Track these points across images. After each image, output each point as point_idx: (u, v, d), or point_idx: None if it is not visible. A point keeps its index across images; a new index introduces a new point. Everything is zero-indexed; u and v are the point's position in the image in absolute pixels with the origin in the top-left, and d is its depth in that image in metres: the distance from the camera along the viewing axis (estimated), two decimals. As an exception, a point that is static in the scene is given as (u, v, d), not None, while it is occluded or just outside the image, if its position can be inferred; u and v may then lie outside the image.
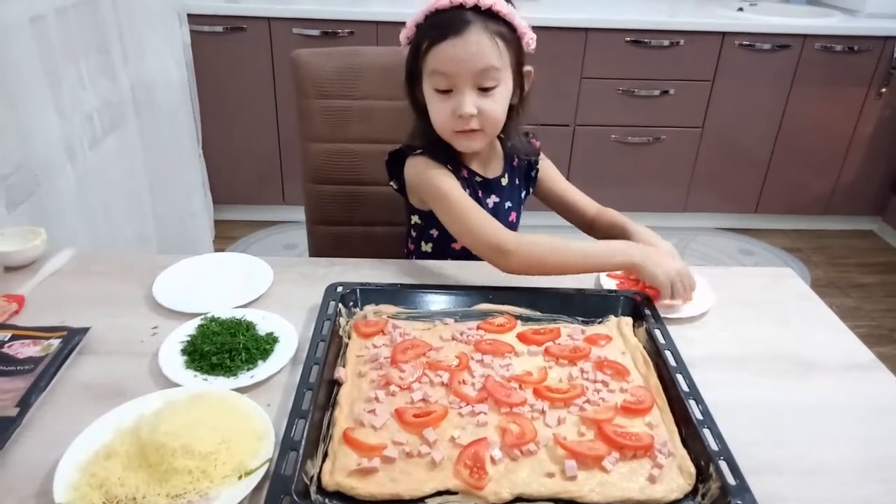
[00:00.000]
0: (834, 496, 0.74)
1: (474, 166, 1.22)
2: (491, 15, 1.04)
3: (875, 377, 0.94)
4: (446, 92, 1.07)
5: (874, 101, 2.79)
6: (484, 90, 1.07)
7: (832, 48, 2.68)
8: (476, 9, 1.03)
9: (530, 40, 1.10)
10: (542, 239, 1.05)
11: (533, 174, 1.29)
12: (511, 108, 1.14)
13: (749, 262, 2.86)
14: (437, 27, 1.05)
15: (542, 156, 1.29)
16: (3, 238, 1.12)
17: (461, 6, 1.03)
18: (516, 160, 1.25)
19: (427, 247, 1.28)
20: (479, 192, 1.22)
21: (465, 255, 1.22)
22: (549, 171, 1.31)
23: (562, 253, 1.05)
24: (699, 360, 0.91)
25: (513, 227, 1.28)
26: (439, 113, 1.10)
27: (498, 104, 1.09)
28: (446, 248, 1.26)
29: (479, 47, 1.03)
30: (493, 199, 1.23)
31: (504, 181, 1.24)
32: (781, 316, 1.07)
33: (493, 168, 1.24)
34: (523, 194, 1.30)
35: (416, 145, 1.18)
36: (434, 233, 1.26)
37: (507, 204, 1.25)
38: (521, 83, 1.14)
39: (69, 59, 1.74)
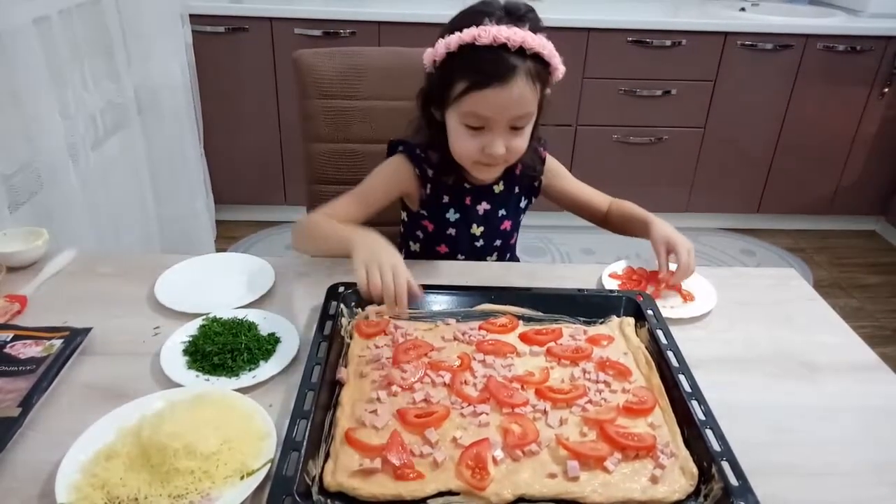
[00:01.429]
0: (840, 499, 0.74)
1: (464, 173, 1.19)
2: (533, 56, 1.00)
3: (879, 378, 0.94)
4: (477, 128, 1.05)
5: (877, 100, 2.78)
6: (514, 128, 1.05)
7: (835, 48, 2.67)
8: (520, 51, 0.99)
9: (560, 73, 1.06)
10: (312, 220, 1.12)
11: (536, 184, 1.26)
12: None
13: (751, 262, 2.85)
14: (481, 72, 0.99)
15: (548, 158, 1.25)
16: (5, 238, 1.12)
17: (505, 46, 0.98)
18: (518, 168, 1.21)
19: (415, 246, 1.28)
20: (468, 198, 1.20)
21: (450, 258, 1.23)
22: (556, 173, 1.27)
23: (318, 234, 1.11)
24: (702, 360, 0.91)
25: (506, 235, 1.26)
26: (465, 147, 1.07)
27: (525, 139, 1.08)
28: (431, 249, 1.26)
29: (521, 96, 1.01)
30: (483, 206, 1.21)
31: (498, 188, 1.22)
32: (785, 316, 1.06)
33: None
34: (523, 203, 1.27)
35: (405, 141, 1.19)
36: (420, 233, 1.26)
37: (501, 212, 1.23)
38: (542, 106, 1.10)
39: (73, 61, 1.74)
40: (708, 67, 2.70)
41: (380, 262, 0.90)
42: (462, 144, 1.08)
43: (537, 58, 1.01)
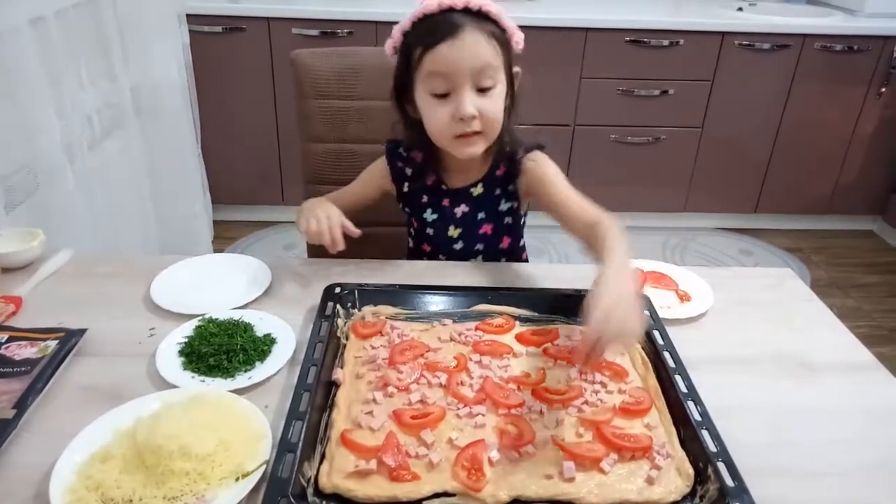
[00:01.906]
0: (836, 499, 0.74)
1: (444, 175, 1.19)
2: (481, 15, 1.03)
3: (876, 378, 0.94)
4: (444, 96, 1.04)
5: (874, 100, 2.79)
6: (482, 90, 1.04)
7: (832, 48, 2.67)
8: (466, 10, 1.02)
9: (519, 40, 1.08)
10: None
11: (510, 187, 1.19)
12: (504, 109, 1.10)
13: (749, 262, 2.85)
14: (430, 32, 1.02)
15: (536, 163, 1.16)
16: (1, 239, 1.12)
17: (451, 9, 1.02)
18: (501, 169, 1.18)
19: (411, 243, 1.30)
20: (446, 200, 1.20)
21: (462, 257, 1.23)
22: (542, 179, 1.15)
23: None
24: (699, 361, 0.91)
25: (488, 240, 1.22)
26: (438, 118, 1.06)
27: (496, 104, 1.07)
28: (419, 247, 1.26)
29: (475, 46, 1.02)
30: (461, 209, 1.19)
31: (477, 191, 1.19)
32: (782, 317, 1.06)
33: (466, 177, 1.19)
34: (503, 206, 1.20)
35: (393, 140, 1.21)
36: (411, 230, 1.27)
37: (480, 215, 1.19)
38: (512, 84, 1.11)
39: (69, 61, 1.74)
40: (705, 67, 2.70)
41: (315, 212, 1.09)
42: (434, 118, 1.07)
43: (490, 20, 1.04)
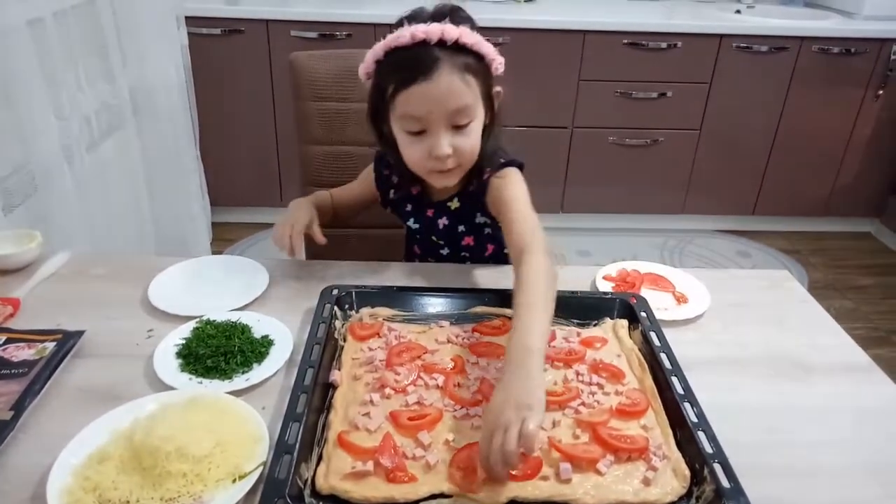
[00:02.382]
0: (832, 500, 0.74)
1: (426, 186, 1.17)
2: (457, 48, 0.97)
3: (872, 379, 0.94)
4: (419, 133, 1.01)
5: (871, 102, 2.79)
6: (458, 127, 1.01)
7: (829, 50, 2.68)
8: (441, 43, 0.96)
9: (499, 65, 1.02)
10: None
11: (482, 202, 1.13)
12: (483, 129, 1.06)
13: (747, 263, 2.86)
14: (403, 69, 0.97)
15: (501, 181, 1.09)
16: (-2, 241, 1.12)
17: (424, 42, 0.96)
18: (473, 185, 1.13)
19: (419, 251, 1.29)
20: (430, 210, 1.19)
21: (423, 260, 1.24)
22: (499, 198, 1.08)
23: None
24: (696, 362, 0.91)
25: (472, 250, 1.21)
26: (413, 154, 1.04)
27: (472, 138, 1.03)
28: (410, 249, 1.27)
29: (450, 88, 0.96)
30: (443, 221, 1.18)
31: (454, 205, 1.17)
32: (779, 318, 1.07)
33: (444, 191, 1.16)
34: (479, 219, 1.17)
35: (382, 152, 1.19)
36: (405, 231, 1.27)
37: (461, 228, 1.18)
38: (492, 105, 1.06)
39: (67, 62, 1.74)
40: (703, 69, 2.70)
41: (287, 216, 1.11)
42: (409, 153, 1.04)
43: (466, 51, 0.98)
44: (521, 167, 1.11)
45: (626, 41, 2.63)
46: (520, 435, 0.69)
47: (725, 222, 3.09)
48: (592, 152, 2.82)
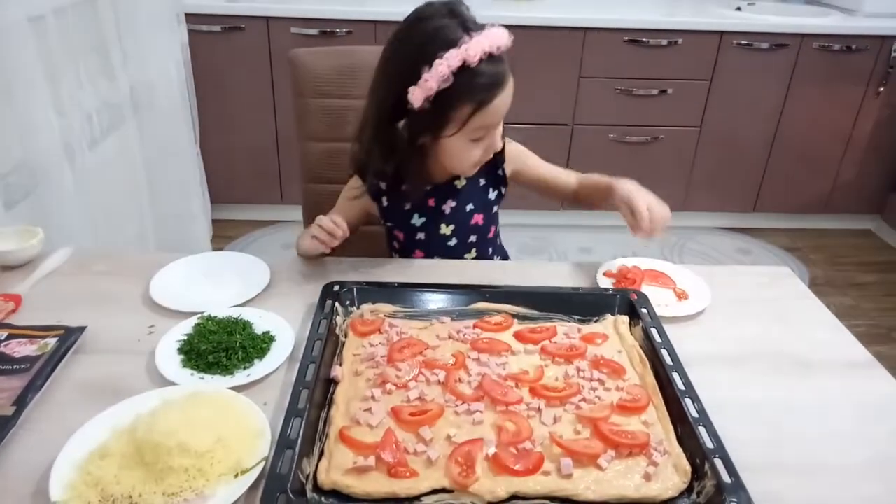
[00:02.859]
0: (834, 495, 0.74)
1: (421, 178, 1.17)
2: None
3: (873, 375, 0.94)
4: (482, 137, 1.05)
5: (872, 99, 2.79)
6: None
7: (830, 47, 2.68)
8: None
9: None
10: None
11: (500, 172, 1.22)
12: None
13: (747, 260, 2.86)
14: (485, 88, 0.98)
15: (513, 146, 1.23)
16: (0, 237, 1.12)
17: (491, 54, 0.98)
18: None
19: (395, 256, 1.28)
20: (431, 200, 1.19)
21: (457, 253, 1.23)
22: (522, 158, 1.25)
23: None
24: (697, 358, 0.92)
25: (480, 230, 1.23)
26: (471, 157, 1.07)
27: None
28: (408, 258, 1.25)
29: (512, 88, 1.02)
30: (449, 205, 1.19)
31: (460, 183, 1.19)
32: (779, 315, 1.07)
33: (443, 174, 1.17)
34: (493, 194, 1.23)
35: (357, 166, 1.18)
36: (395, 244, 1.27)
37: (469, 207, 1.20)
38: None
39: (68, 59, 1.74)
40: (704, 67, 2.70)
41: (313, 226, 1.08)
42: (467, 157, 1.07)
43: None
44: None
45: (626, 38, 2.62)
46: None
47: (726, 219, 3.09)
48: (593, 149, 2.82)
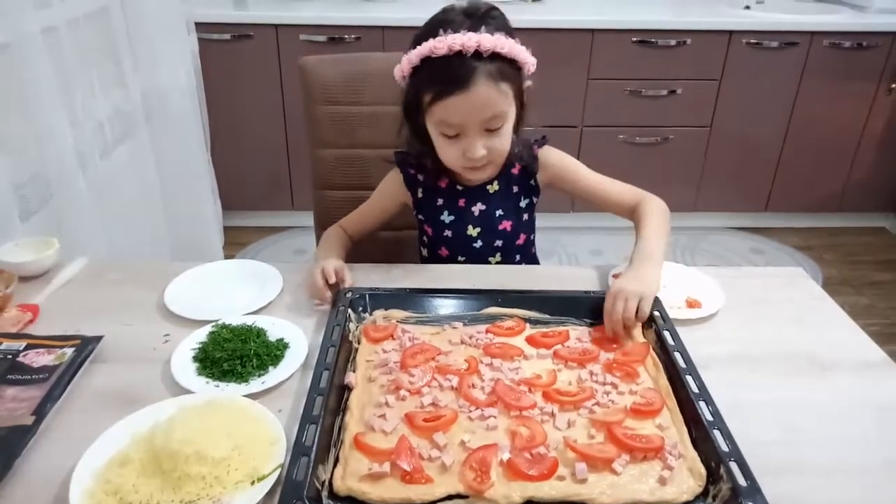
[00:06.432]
0: (850, 497, 0.74)
1: (457, 176, 1.20)
2: (492, 56, 1.00)
3: (889, 375, 0.93)
4: (454, 136, 1.06)
5: (884, 96, 2.77)
6: (490, 130, 1.06)
7: (841, 45, 2.66)
8: (477, 54, 0.99)
9: (531, 66, 1.07)
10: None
11: (532, 182, 1.23)
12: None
13: (760, 261, 2.84)
14: (441, 81, 1.00)
15: (552, 156, 1.22)
16: (17, 248, 1.13)
17: (460, 53, 0.99)
18: (517, 167, 1.21)
19: (424, 251, 1.30)
20: (462, 200, 1.21)
21: (451, 261, 1.24)
22: (563, 169, 1.23)
23: None
24: (711, 360, 0.91)
25: (508, 236, 1.23)
26: (448, 154, 1.09)
27: (504, 138, 1.08)
28: (434, 253, 1.27)
29: (486, 98, 1.01)
30: (478, 207, 1.21)
31: (493, 188, 1.20)
32: (794, 315, 1.06)
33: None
34: (523, 202, 1.24)
35: (399, 150, 1.22)
36: (425, 238, 1.28)
37: (498, 212, 1.21)
38: (523, 101, 1.10)
39: (81, 69, 1.76)
40: (713, 66, 2.69)
41: (318, 267, 1.07)
42: (444, 152, 1.10)
43: (499, 57, 1.01)
44: (545, 139, 1.23)
45: (634, 39, 2.62)
46: (637, 309, 0.94)
47: (738, 219, 3.08)
48: (602, 151, 2.81)
